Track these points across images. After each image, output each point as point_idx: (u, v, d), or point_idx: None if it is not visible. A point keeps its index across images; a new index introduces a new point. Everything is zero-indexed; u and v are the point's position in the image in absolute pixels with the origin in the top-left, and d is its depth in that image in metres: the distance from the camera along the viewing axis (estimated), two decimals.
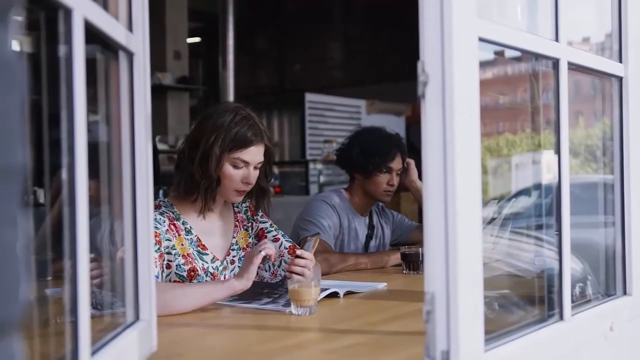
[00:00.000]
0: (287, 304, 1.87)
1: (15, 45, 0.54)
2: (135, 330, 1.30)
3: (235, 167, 2.15)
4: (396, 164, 2.93)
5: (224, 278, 2.21)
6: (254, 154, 2.16)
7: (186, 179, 2.16)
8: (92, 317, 1.04)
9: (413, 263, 2.58)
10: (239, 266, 2.26)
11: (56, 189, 1.51)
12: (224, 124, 2.11)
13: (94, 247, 1.14)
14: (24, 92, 0.53)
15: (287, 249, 2.30)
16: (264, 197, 2.30)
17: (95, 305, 1.27)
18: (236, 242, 2.31)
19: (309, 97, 7.71)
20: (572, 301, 1.51)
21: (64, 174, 0.97)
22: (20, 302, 0.53)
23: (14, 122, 0.51)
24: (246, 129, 2.13)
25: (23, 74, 0.54)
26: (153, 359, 1.39)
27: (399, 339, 1.60)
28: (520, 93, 1.94)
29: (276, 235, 2.34)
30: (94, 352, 1.06)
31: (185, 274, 2.12)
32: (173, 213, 2.18)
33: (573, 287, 1.56)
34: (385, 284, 2.32)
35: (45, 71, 1.03)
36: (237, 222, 2.33)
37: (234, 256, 2.29)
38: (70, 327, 0.98)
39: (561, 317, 1.48)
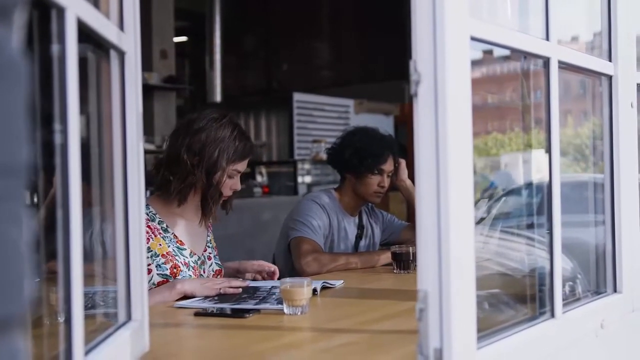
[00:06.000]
0: (280, 302, 1.87)
1: (19, 44, 0.53)
2: (128, 330, 1.29)
3: (230, 177, 2.23)
4: (388, 165, 2.93)
5: (203, 272, 2.27)
6: (246, 163, 2.27)
7: (187, 188, 2.19)
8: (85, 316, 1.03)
9: (404, 262, 2.58)
10: (215, 262, 2.35)
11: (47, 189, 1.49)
12: (225, 137, 2.19)
13: (84, 248, 1.14)
14: (27, 91, 0.53)
15: (214, 272, 2.35)
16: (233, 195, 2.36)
17: (86, 305, 1.26)
18: (210, 240, 2.37)
19: (297, 96, 7.69)
20: (563, 299, 1.52)
21: (57, 175, 0.96)
22: (24, 300, 0.53)
23: (18, 120, 0.51)
24: (245, 142, 2.23)
25: (26, 72, 0.54)
26: (145, 359, 1.39)
27: (391, 338, 1.61)
28: (509, 92, 1.95)
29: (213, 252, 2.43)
30: (87, 352, 1.06)
31: (168, 272, 2.14)
32: (147, 214, 2.18)
33: (563, 285, 1.57)
34: (342, 281, 2.32)
35: (36, 70, 1.02)
36: (209, 223, 2.40)
37: (209, 253, 2.35)
38: (63, 327, 0.98)
39: (552, 315, 1.49)
